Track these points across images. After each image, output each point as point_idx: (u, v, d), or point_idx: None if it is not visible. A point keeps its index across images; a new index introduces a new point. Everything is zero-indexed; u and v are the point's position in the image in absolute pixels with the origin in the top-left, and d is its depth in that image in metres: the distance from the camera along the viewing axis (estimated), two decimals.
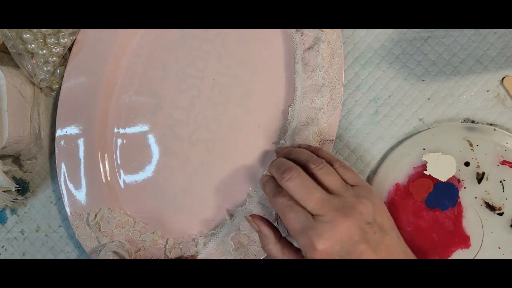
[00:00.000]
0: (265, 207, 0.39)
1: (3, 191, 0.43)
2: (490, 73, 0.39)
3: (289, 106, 0.40)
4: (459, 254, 0.38)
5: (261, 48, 0.42)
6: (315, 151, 0.35)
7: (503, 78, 0.39)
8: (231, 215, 0.40)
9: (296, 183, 0.31)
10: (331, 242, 0.29)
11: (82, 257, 0.45)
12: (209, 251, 0.40)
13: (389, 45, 0.41)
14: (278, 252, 0.33)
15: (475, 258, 0.37)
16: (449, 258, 0.38)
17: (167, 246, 0.41)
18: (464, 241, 0.38)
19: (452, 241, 0.38)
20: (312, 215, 0.30)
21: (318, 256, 0.29)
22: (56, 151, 0.43)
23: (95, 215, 0.42)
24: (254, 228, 0.35)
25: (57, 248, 0.45)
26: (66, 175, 0.43)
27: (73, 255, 0.45)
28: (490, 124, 0.39)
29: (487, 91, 0.39)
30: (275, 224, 0.36)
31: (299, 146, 0.38)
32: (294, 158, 0.34)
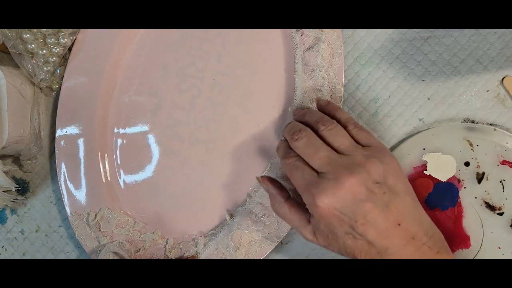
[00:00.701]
0: (265, 207, 0.39)
1: (3, 191, 0.43)
2: (490, 73, 0.39)
3: (289, 106, 0.40)
4: (459, 254, 0.38)
5: (261, 48, 0.42)
6: (333, 111, 0.35)
7: (503, 78, 0.39)
8: (231, 215, 0.40)
9: (304, 142, 0.32)
10: (334, 199, 0.28)
11: (82, 257, 0.45)
12: (209, 251, 0.40)
13: (389, 45, 0.41)
14: (285, 212, 0.33)
15: (475, 258, 0.37)
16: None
17: (167, 246, 0.41)
18: (464, 241, 0.38)
19: (452, 241, 0.38)
20: (318, 173, 0.30)
21: (320, 213, 0.29)
22: (56, 151, 0.44)
23: (95, 215, 0.42)
24: (264, 188, 0.36)
25: (57, 248, 0.45)
26: (66, 175, 0.43)
27: (73, 255, 0.45)
28: (490, 124, 0.39)
29: (487, 91, 0.39)
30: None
31: (318, 102, 0.37)
32: (307, 120, 0.35)
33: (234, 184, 0.41)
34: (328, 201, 0.29)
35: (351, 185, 0.28)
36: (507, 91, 0.39)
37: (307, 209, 0.32)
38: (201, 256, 0.40)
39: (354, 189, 0.28)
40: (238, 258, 0.39)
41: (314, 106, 0.39)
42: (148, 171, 0.43)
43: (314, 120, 0.34)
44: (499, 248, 0.37)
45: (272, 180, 0.35)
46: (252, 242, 0.39)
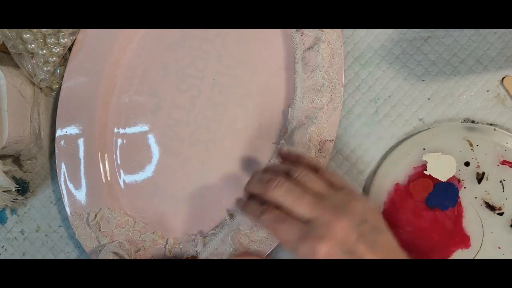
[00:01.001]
0: None
1: (3, 191, 0.43)
2: (490, 73, 0.39)
3: (289, 106, 0.40)
4: (459, 254, 0.38)
5: (261, 48, 0.42)
6: (297, 159, 0.35)
7: (503, 78, 0.39)
8: (231, 215, 0.40)
9: (284, 189, 0.30)
10: (332, 244, 0.28)
11: (82, 257, 0.45)
12: (209, 251, 0.40)
13: (389, 45, 0.41)
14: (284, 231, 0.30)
15: (475, 258, 0.37)
16: (449, 258, 0.38)
17: (167, 246, 0.41)
18: (464, 241, 0.38)
19: (452, 241, 0.38)
20: (305, 222, 0.29)
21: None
22: (56, 151, 0.44)
23: (95, 215, 0.42)
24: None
25: (57, 248, 0.45)
26: (66, 175, 0.43)
27: (73, 255, 0.45)
28: (490, 124, 0.39)
29: (487, 91, 0.39)
30: None
31: (280, 152, 0.37)
32: (274, 172, 0.33)
33: (234, 184, 0.41)
34: (327, 248, 0.28)
35: (342, 227, 0.28)
36: (507, 91, 0.39)
37: None
38: (201, 256, 0.40)
39: (345, 231, 0.28)
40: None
41: (314, 105, 0.39)
42: (148, 171, 0.43)
43: (283, 170, 0.32)
44: (499, 248, 0.37)
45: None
46: (251, 243, 0.39)
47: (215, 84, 0.42)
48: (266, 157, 0.41)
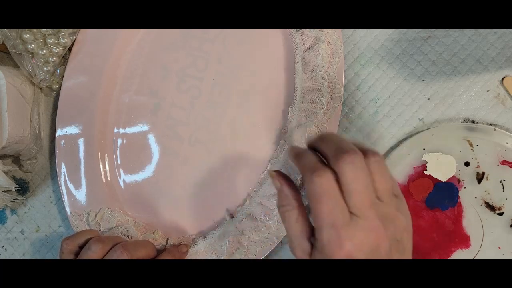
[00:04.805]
0: (266, 207, 0.39)
1: (3, 191, 0.43)
2: (490, 73, 0.39)
3: (289, 106, 0.40)
4: (459, 254, 0.38)
5: (261, 49, 0.42)
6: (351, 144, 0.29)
7: (503, 78, 0.39)
8: (231, 215, 0.40)
9: (357, 170, 0.25)
10: (360, 246, 0.26)
11: None
12: (207, 251, 0.40)
13: (389, 45, 0.41)
14: (291, 218, 0.28)
15: (475, 258, 0.37)
16: (449, 258, 0.38)
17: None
18: (464, 241, 0.38)
19: (452, 241, 0.38)
20: (350, 212, 0.26)
21: (339, 255, 0.26)
22: (56, 151, 0.43)
23: (95, 215, 0.42)
24: (276, 185, 0.29)
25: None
26: (66, 175, 0.43)
27: None
28: (490, 124, 0.39)
29: (487, 91, 0.39)
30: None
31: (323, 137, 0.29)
32: (336, 145, 0.27)
33: (234, 184, 0.41)
34: (351, 247, 0.26)
35: (379, 238, 0.26)
36: (507, 91, 0.39)
37: (311, 225, 0.28)
38: (200, 256, 0.40)
39: (381, 243, 0.26)
40: (237, 258, 0.39)
41: (314, 104, 0.39)
42: (148, 171, 0.43)
43: (349, 146, 0.26)
44: (499, 248, 0.37)
45: (286, 178, 0.29)
46: (252, 243, 0.39)
47: (215, 84, 0.42)
48: (266, 157, 0.41)
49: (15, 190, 0.44)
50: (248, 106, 0.42)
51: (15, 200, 0.45)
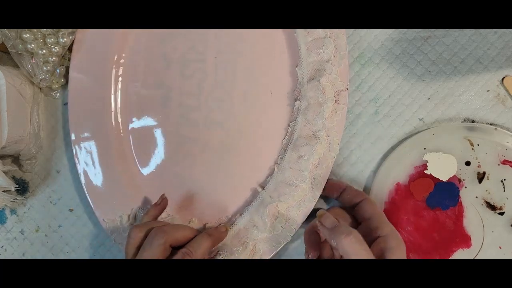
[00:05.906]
0: (296, 169, 0.38)
1: (2, 191, 0.43)
2: (490, 73, 0.39)
3: (296, 66, 0.40)
4: (460, 254, 0.38)
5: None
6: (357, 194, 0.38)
7: (503, 78, 0.39)
8: (262, 187, 0.40)
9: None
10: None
11: (82, 257, 0.45)
12: (249, 227, 0.39)
13: (389, 45, 0.41)
14: (357, 243, 0.31)
15: (475, 258, 0.37)
16: (450, 258, 0.38)
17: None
18: (465, 240, 0.38)
19: (453, 240, 0.38)
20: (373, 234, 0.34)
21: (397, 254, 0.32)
22: (76, 161, 0.43)
23: (128, 217, 0.42)
24: (333, 222, 0.33)
25: (57, 248, 0.45)
26: (89, 183, 0.42)
27: (73, 255, 0.45)
28: (490, 124, 0.39)
29: (487, 91, 0.39)
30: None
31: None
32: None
33: (259, 156, 0.41)
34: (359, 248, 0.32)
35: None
36: (507, 91, 0.39)
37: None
38: (241, 234, 0.39)
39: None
40: (277, 227, 0.38)
41: (320, 58, 0.39)
42: (170, 163, 0.43)
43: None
44: (500, 247, 0.37)
45: (337, 211, 0.38)
46: (289, 208, 0.38)
47: (218, 62, 0.42)
48: (284, 122, 0.40)
49: (15, 190, 0.44)
50: (255, 76, 0.41)
51: (15, 200, 0.45)
